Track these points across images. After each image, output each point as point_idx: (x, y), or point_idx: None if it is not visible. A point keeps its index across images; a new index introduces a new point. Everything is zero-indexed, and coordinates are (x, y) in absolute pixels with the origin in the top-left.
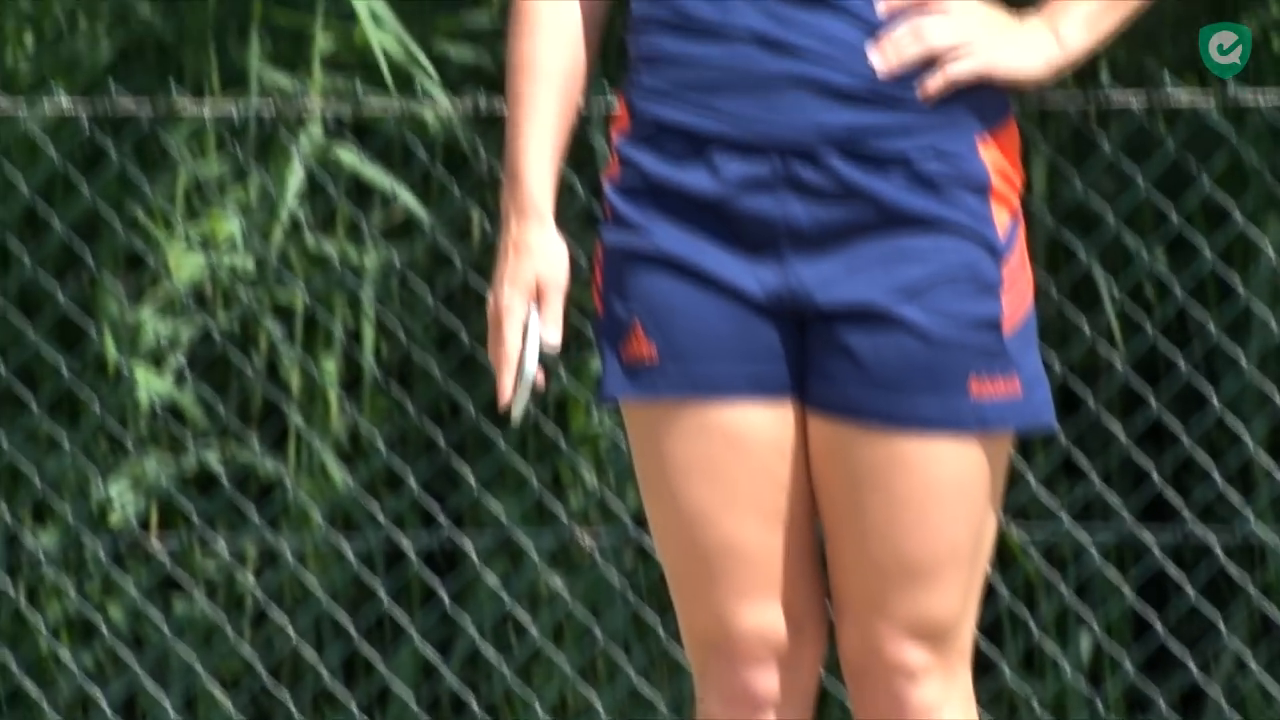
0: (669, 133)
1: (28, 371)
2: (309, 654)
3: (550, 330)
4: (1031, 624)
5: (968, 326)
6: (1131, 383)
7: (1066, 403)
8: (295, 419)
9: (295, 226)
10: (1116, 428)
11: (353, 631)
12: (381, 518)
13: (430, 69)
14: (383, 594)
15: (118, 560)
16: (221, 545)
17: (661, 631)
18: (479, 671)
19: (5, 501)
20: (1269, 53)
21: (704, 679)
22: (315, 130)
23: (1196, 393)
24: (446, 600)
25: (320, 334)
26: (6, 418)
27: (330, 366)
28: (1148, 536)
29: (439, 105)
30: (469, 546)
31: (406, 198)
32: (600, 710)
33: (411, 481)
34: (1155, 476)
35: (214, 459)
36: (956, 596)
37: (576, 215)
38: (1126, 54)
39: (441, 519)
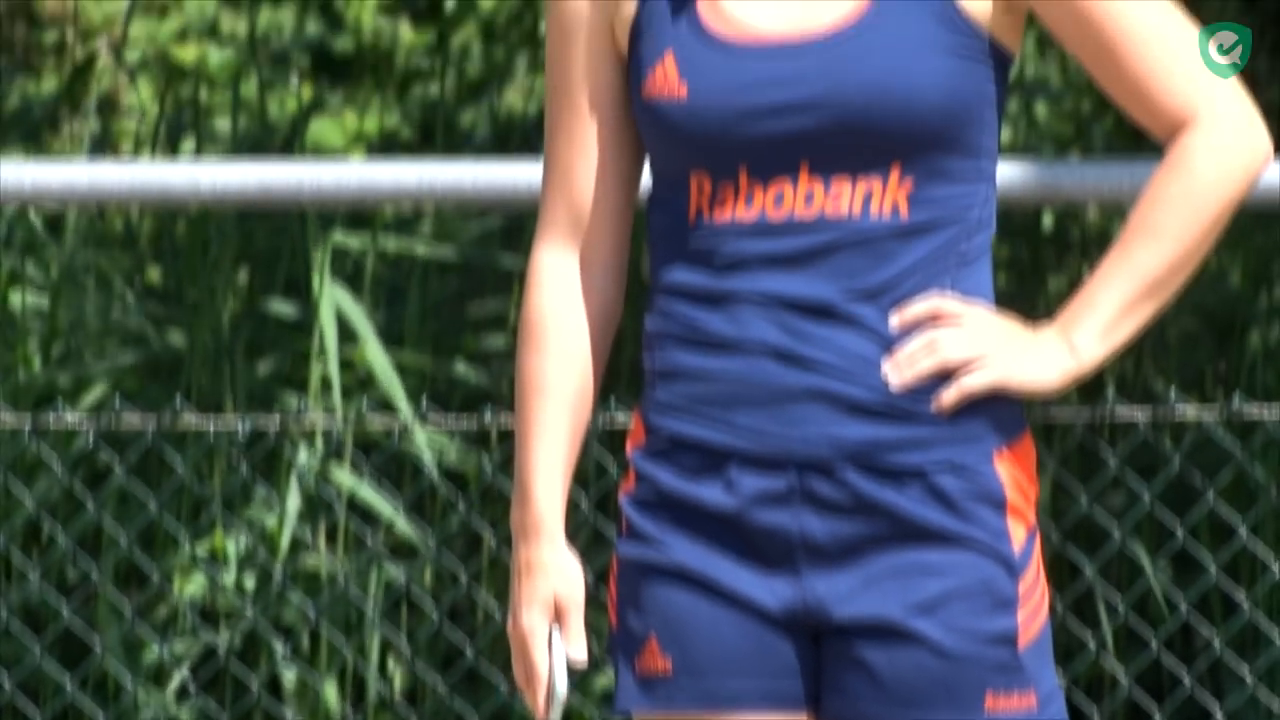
0: (685, 447)
1: (30, 688)
2: None
3: (575, 647)
4: None
5: (984, 642)
6: (1136, 698)
7: (1071, 718)
8: None
9: (299, 544)
10: None
11: None
12: None
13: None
14: None
15: None
16: None
17: None
18: None
19: None
20: (1273, 368)
21: None
22: (318, 448)
23: (1201, 708)
24: None
25: (324, 650)
26: None
27: (331, 690)
28: None
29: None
30: None
31: (403, 525)
32: None
33: None
34: None
35: None
36: None
37: (580, 530)
38: (1132, 369)
39: None
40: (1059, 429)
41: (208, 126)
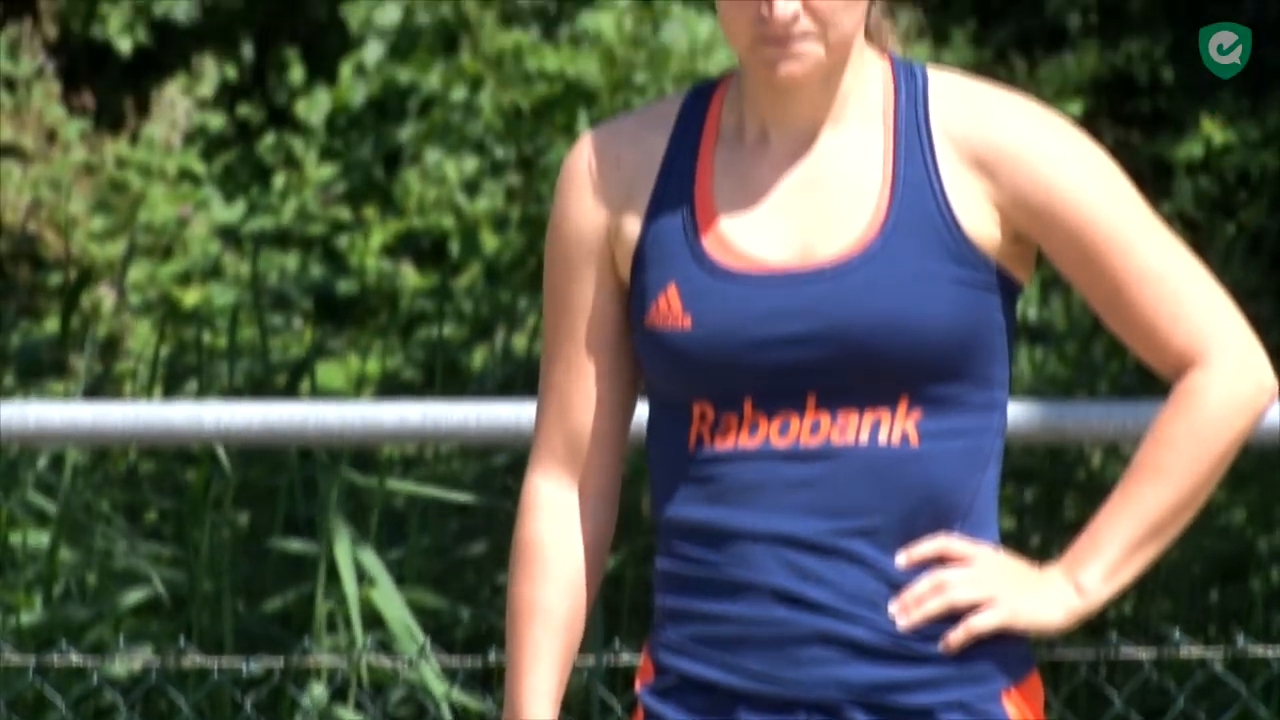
0: (694, 687)
1: None
2: None
3: None
4: None
5: None
6: None
7: None
8: None
9: None
10: None
11: None
12: None
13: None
14: None
15: None
16: None
17: None
18: None
19: None
20: (1278, 609)
21: None
22: (324, 687)
23: None
24: None
25: None
26: None
27: None
28: None
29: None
30: None
31: None
32: None
33: None
34: None
35: None
36: None
37: None
38: (1135, 607)
39: None
40: (1064, 667)
41: (210, 368)
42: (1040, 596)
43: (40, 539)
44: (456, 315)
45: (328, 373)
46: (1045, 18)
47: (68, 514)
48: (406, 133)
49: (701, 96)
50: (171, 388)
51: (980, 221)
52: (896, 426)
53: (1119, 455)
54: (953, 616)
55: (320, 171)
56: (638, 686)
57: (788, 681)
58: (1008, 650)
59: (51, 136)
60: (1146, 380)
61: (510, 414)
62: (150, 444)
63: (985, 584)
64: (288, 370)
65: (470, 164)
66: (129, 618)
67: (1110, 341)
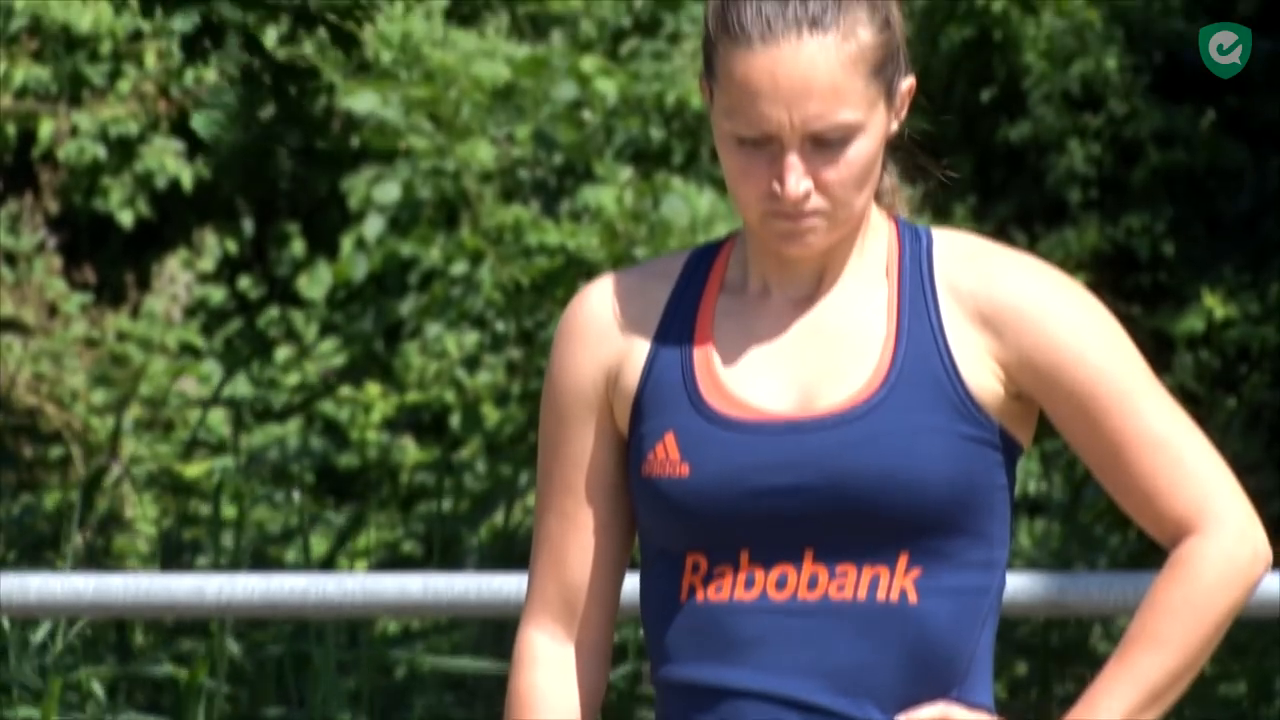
0: None
1: None
2: None
3: None
4: None
5: None
6: None
7: None
8: None
9: None
10: None
11: None
12: None
13: None
14: None
15: None
16: None
17: None
18: None
19: None
20: None
21: None
22: None
23: None
24: None
25: None
26: None
27: None
28: None
29: None
30: None
31: None
32: None
33: None
34: None
35: None
36: None
37: None
38: None
39: None
40: None
41: (211, 541)
42: None
43: (31, 713)
44: (457, 489)
45: (327, 545)
46: (1046, 193)
47: (58, 686)
48: (407, 307)
49: (707, 252)
50: (172, 560)
51: (984, 378)
52: (895, 583)
53: (1118, 631)
54: None
55: (321, 345)
56: None
57: None
58: None
59: (52, 310)
60: (1146, 555)
61: (511, 587)
62: (152, 616)
63: None
64: (288, 542)
65: (471, 338)
66: None
67: (1110, 515)
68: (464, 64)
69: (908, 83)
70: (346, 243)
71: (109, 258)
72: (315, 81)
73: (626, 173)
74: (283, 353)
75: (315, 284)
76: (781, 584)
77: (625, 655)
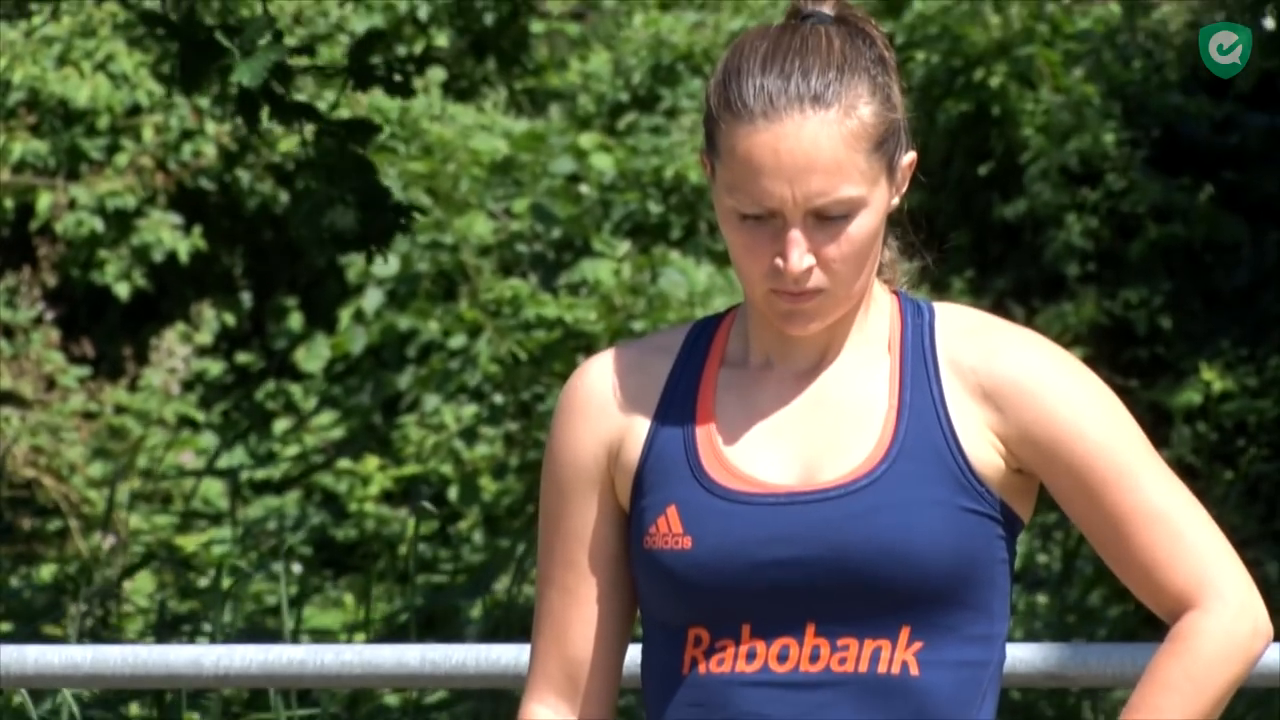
0: None
1: None
2: None
3: None
4: None
5: None
6: None
7: None
8: None
9: None
10: None
11: None
12: None
13: None
14: None
15: None
16: None
17: None
18: None
19: None
20: None
21: None
22: None
23: None
24: None
25: None
26: None
27: None
28: None
29: None
30: None
31: None
32: None
33: None
34: None
35: None
36: None
37: None
38: None
39: None
40: None
41: (208, 613)
42: None
43: None
44: (455, 561)
45: (326, 617)
46: (1043, 266)
47: None
48: (405, 379)
49: (708, 326)
50: (169, 632)
51: (985, 452)
52: (897, 656)
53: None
54: None
55: (319, 418)
56: None
57: None
58: None
59: (50, 383)
60: (1144, 626)
61: (509, 657)
62: (150, 687)
63: None
64: (286, 614)
65: (469, 411)
66: None
67: (1109, 588)
68: (462, 138)
69: (909, 158)
70: (344, 316)
71: (107, 331)
72: (377, 136)
73: (624, 247)
74: (281, 425)
75: (313, 357)
76: (783, 657)
77: None
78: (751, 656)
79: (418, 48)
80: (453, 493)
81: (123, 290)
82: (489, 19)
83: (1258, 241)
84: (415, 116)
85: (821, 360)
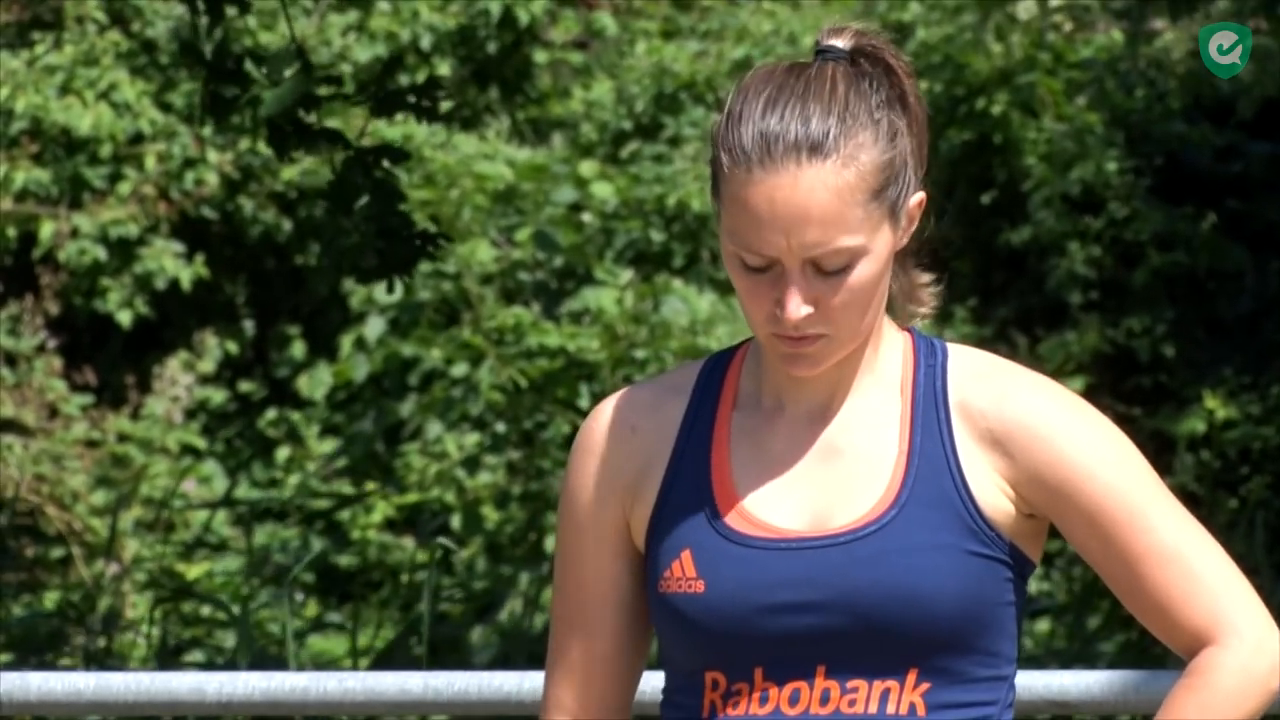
0: None
1: None
2: None
3: None
4: None
5: None
6: None
7: None
8: None
9: None
10: None
11: None
12: None
13: None
14: None
15: None
16: None
17: None
18: None
19: None
20: None
21: None
22: None
23: None
24: None
25: None
26: None
27: None
28: None
29: None
30: None
31: None
32: None
33: None
34: None
35: None
36: None
37: None
38: None
39: None
40: None
41: (212, 641)
42: None
43: None
44: (458, 589)
45: (329, 645)
46: (1046, 295)
47: None
48: (407, 408)
49: (720, 363)
50: (173, 660)
51: (995, 498)
52: (905, 697)
53: None
54: None
55: (322, 446)
56: None
57: None
58: None
59: (53, 412)
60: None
61: (511, 684)
62: (153, 714)
63: None
64: (289, 642)
65: (471, 439)
66: None
67: (1109, 614)
68: (465, 166)
69: (916, 198)
70: (347, 343)
71: (109, 359)
72: (406, 163)
73: (626, 275)
74: (283, 453)
75: (316, 385)
76: (794, 700)
77: None
78: (764, 700)
79: (421, 77)
80: (455, 521)
81: (125, 318)
82: (491, 48)
83: (1260, 269)
84: (418, 145)
85: (832, 401)
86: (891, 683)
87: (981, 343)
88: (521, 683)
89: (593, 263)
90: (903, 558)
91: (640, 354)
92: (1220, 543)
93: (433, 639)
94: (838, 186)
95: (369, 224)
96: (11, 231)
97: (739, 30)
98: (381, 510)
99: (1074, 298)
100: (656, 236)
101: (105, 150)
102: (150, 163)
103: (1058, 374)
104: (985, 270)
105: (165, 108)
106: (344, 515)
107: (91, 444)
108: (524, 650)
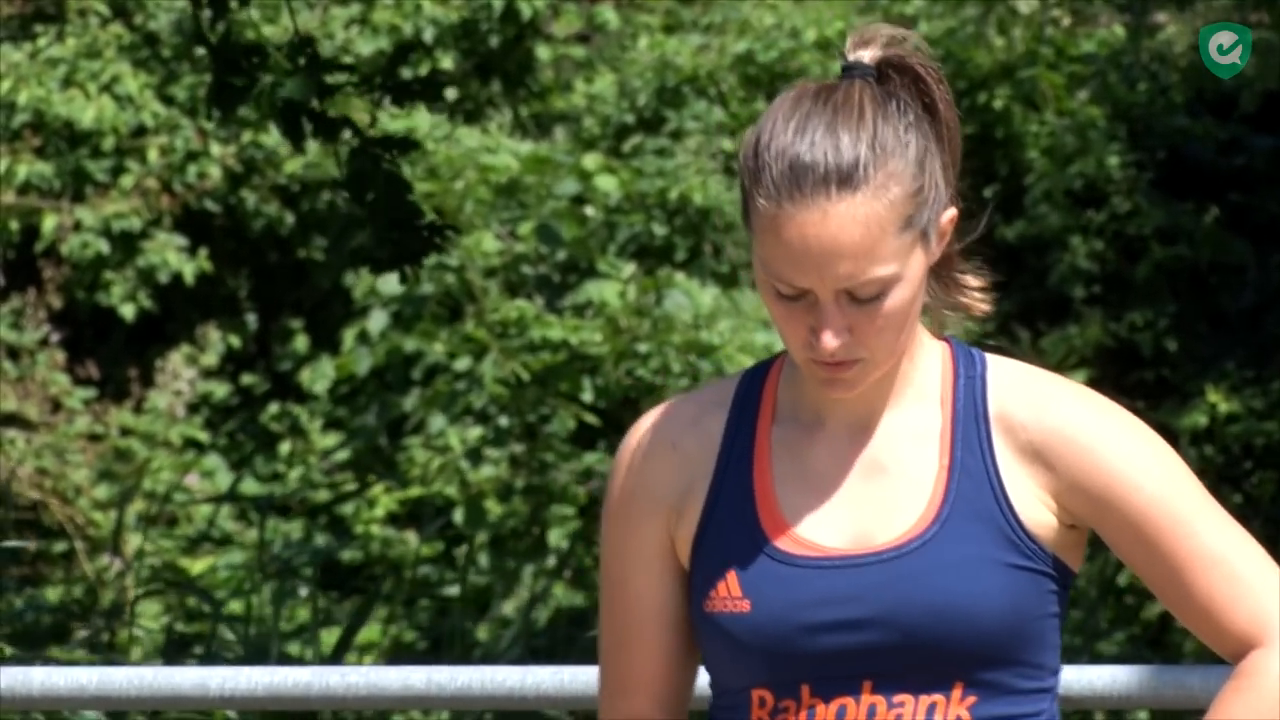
0: None
1: None
2: None
3: None
4: None
5: None
6: None
7: None
8: None
9: None
10: None
11: None
12: None
13: None
14: None
15: None
16: None
17: None
18: None
19: None
20: None
21: None
22: None
23: None
24: None
25: None
26: None
27: None
28: None
29: None
30: None
31: None
32: None
33: None
34: None
35: None
36: None
37: None
38: None
39: None
40: None
41: (214, 635)
42: None
43: None
44: (460, 583)
45: (331, 639)
46: (1048, 289)
47: None
48: (410, 401)
49: (757, 376)
50: (176, 654)
51: (1036, 510)
52: (951, 710)
53: None
54: None
55: (324, 440)
56: None
57: None
58: None
59: (56, 405)
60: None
61: (515, 679)
62: (155, 709)
63: None
64: (292, 636)
65: (474, 433)
66: None
67: (1114, 609)
68: (468, 159)
69: (948, 215)
70: (349, 337)
71: (112, 353)
72: (416, 152)
73: (629, 268)
74: (286, 447)
75: (318, 378)
76: (841, 716)
77: None
78: (811, 716)
79: (423, 70)
80: (458, 515)
81: (128, 312)
82: (494, 41)
83: (1263, 263)
84: (421, 138)
85: (871, 415)
86: (937, 697)
87: (983, 337)
88: (524, 677)
89: (595, 256)
90: (945, 573)
91: (643, 347)
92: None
93: (436, 633)
94: (868, 219)
95: (380, 215)
96: (14, 225)
97: (741, 24)
98: (384, 504)
99: (1076, 292)
100: (659, 230)
101: (108, 143)
102: (153, 156)
103: (1060, 368)
104: (986, 265)
105: (168, 101)
106: (347, 510)
107: (94, 438)
108: (527, 645)
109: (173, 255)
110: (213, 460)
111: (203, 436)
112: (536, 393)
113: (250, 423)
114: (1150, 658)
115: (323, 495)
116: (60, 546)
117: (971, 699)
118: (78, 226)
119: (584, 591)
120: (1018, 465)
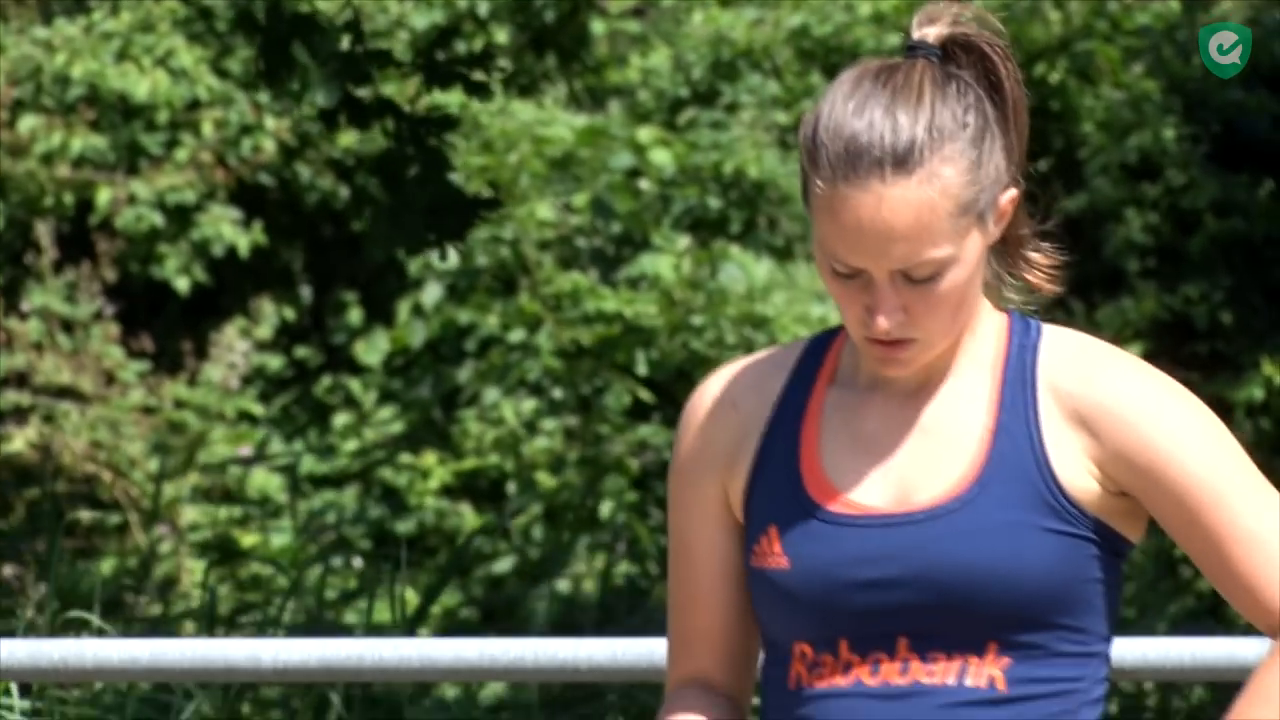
0: None
1: None
2: None
3: None
4: None
5: None
6: None
7: None
8: None
9: None
10: None
11: None
12: None
13: None
14: None
15: None
16: None
17: None
18: None
19: None
20: None
21: None
22: None
23: None
24: None
25: None
26: None
27: None
28: None
29: None
30: None
31: None
32: None
33: None
34: None
35: None
36: None
37: None
38: None
39: None
40: None
41: (268, 607)
42: None
43: None
44: (514, 555)
45: (385, 611)
46: (1103, 262)
47: None
48: (464, 374)
49: (822, 342)
50: (229, 627)
51: (1078, 476)
52: (984, 671)
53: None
54: None
55: (378, 412)
56: None
57: None
58: None
59: (110, 378)
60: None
61: (568, 652)
62: (208, 681)
63: None
64: (345, 608)
65: (528, 405)
66: None
67: (1172, 580)
68: (523, 132)
69: (1008, 196)
70: (404, 309)
71: (166, 326)
72: (454, 130)
73: (684, 241)
74: (340, 419)
75: (372, 351)
76: (875, 670)
77: None
78: (847, 670)
79: (478, 44)
80: (512, 487)
81: (182, 285)
82: (549, 15)
83: None
84: (475, 112)
85: (928, 382)
86: (971, 657)
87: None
88: (578, 650)
89: (650, 229)
90: (980, 535)
91: (697, 320)
92: None
93: (489, 605)
94: (921, 202)
95: (420, 194)
96: (69, 198)
97: None
98: (438, 476)
99: (1131, 265)
100: (714, 203)
101: (162, 117)
102: (207, 129)
103: (1115, 341)
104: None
105: (222, 74)
106: (401, 482)
107: (148, 411)
108: (581, 618)
109: (227, 228)
110: (266, 432)
111: (257, 409)
112: (591, 365)
113: (304, 395)
114: (1210, 629)
115: (375, 468)
116: (114, 519)
117: (1006, 660)
118: (132, 200)
119: (637, 564)
120: (1063, 431)
